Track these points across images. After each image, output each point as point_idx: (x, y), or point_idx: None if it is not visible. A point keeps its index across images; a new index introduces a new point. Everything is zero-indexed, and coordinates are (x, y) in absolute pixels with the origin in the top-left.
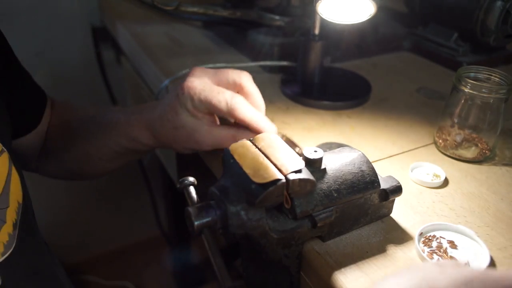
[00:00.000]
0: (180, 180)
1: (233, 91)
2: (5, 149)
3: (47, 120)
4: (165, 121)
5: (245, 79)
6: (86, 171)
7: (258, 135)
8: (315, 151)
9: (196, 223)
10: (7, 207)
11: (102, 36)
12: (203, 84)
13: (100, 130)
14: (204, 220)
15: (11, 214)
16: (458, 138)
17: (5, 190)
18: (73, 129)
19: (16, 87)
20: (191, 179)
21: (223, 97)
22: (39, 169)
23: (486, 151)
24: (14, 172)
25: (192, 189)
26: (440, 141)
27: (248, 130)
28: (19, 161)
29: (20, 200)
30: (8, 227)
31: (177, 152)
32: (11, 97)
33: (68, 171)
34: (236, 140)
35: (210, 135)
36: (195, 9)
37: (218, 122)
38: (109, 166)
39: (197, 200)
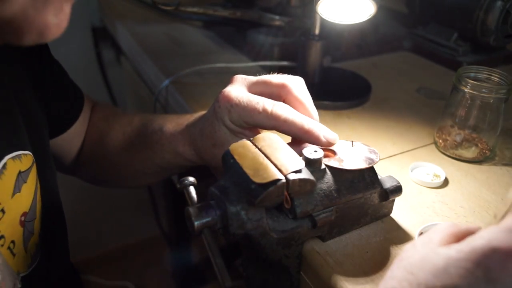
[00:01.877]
0: (180, 180)
1: (279, 99)
2: (34, 161)
3: (85, 121)
4: (205, 138)
5: (292, 81)
6: (126, 182)
7: (258, 135)
8: (315, 151)
9: (196, 223)
10: (35, 218)
11: (102, 36)
12: (241, 94)
13: (144, 144)
14: (204, 220)
15: (38, 225)
16: (458, 138)
17: (34, 202)
18: (114, 140)
19: (52, 83)
20: (191, 179)
21: (262, 107)
22: (76, 172)
23: (486, 151)
24: (32, 178)
25: (192, 189)
26: (440, 141)
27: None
28: (55, 161)
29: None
30: (35, 238)
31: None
32: (48, 94)
33: (107, 180)
34: None
35: None
36: (195, 9)
37: None
38: (152, 179)
39: (197, 200)
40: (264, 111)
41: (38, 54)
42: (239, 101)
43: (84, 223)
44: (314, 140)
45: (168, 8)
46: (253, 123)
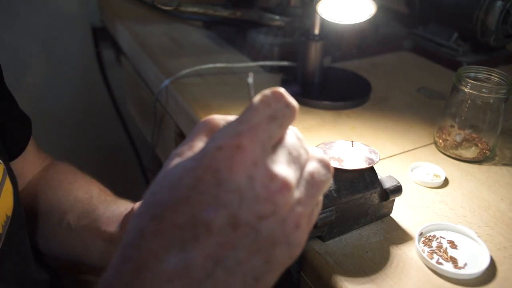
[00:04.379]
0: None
1: None
2: (1, 161)
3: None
4: None
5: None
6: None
7: None
8: None
9: None
10: None
11: (102, 36)
12: None
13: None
14: None
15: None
16: (458, 138)
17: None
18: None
19: (1, 109)
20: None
21: None
22: None
23: (486, 151)
24: (8, 184)
25: None
26: (440, 141)
27: None
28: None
29: (9, 213)
30: None
31: None
32: None
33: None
34: None
35: None
36: (195, 9)
37: None
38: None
39: None
40: None
41: None
42: None
43: None
44: None
45: (168, 8)
46: None
